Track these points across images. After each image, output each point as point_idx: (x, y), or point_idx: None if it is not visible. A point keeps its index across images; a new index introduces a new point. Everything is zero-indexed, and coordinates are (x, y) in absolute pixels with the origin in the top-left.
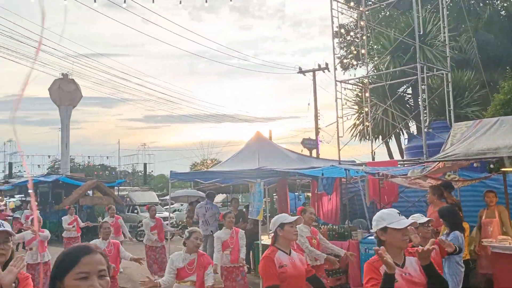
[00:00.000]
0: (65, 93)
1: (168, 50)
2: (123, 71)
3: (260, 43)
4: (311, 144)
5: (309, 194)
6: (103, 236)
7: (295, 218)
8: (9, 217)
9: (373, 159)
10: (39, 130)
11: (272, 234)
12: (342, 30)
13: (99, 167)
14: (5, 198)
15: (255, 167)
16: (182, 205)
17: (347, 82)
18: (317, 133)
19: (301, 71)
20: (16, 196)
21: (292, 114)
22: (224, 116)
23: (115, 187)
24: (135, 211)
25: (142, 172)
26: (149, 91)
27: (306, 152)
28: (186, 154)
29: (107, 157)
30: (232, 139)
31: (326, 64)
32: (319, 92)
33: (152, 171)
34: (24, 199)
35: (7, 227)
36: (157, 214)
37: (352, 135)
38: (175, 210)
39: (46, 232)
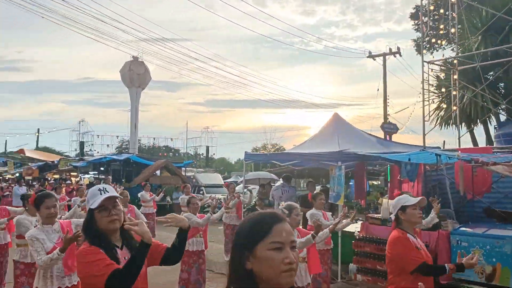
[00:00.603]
0: (135, 75)
1: (232, 35)
2: (187, 55)
3: (324, 28)
4: (390, 128)
5: (374, 182)
6: (192, 211)
7: (417, 199)
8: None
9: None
10: (108, 112)
11: (394, 217)
12: (432, 7)
13: (164, 148)
14: (80, 175)
15: (335, 150)
16: (246, 187)
17: (434, 63)
18: (385, 120)
19: (370, 56)
20: (90, 172)
21: (356, 100)
22: (287, 101)
23: (182, 168)
24: (201, 192)
25: (204, 155)
26: (212, 75)
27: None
28: (247, 138)
29: (171, 139)
30: (295, 124)
31: (398, 48)
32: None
33: (214, 154)
34: (97, 176)
35: (112, 191)
36: (221, 197)
37: (432, 121)
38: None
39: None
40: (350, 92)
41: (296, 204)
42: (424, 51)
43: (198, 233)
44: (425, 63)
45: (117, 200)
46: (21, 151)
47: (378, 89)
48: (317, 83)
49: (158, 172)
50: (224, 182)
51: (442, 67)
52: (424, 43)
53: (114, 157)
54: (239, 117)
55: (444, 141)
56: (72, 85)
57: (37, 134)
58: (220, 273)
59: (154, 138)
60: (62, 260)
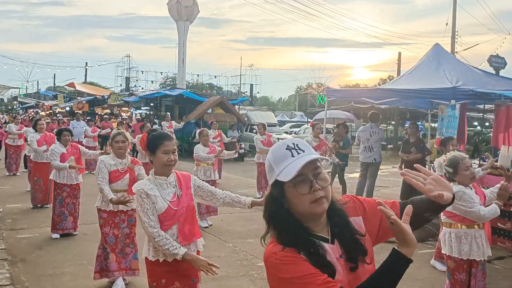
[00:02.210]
0: (183, 8)
1: None
2: None
3: None
4: (498, 63)
5: (433, 124)
6: None
7: None
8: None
9: None
10: (150, 48)
11: None
12: None
13: (207, 86)
14: (131, 110)
15: (447, 86)
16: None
17: None
18: None
19: None
20: (143, 108)
21: (408, 38)
22: (330, 40)
23: (236, 105)
24: (254, 131)
25: (247, 93)
26: (253, 11)
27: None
28: (291, 76)
29: (215, 76)
30: (341, 63)
31: None
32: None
33: (258, 92)
34: (149, 112)
35: (308, 149)
36: (275, 135)
37: None
38: (292, 132)
39: None
40: (399, 30)
41: (462, 154)
42: None
43: None
44: None
45: (318, 162)
46: (72, 84)
47: (447, 24)
48: (363, 20)
49: (210, 109)
50: (310, 122)
51: None
52: None
53: (167, 92)
54: (281, 55)
55: None
56: (115, 20)
57: (85, 68)
58: None
59: (198, 75)
60: (178, 227)
